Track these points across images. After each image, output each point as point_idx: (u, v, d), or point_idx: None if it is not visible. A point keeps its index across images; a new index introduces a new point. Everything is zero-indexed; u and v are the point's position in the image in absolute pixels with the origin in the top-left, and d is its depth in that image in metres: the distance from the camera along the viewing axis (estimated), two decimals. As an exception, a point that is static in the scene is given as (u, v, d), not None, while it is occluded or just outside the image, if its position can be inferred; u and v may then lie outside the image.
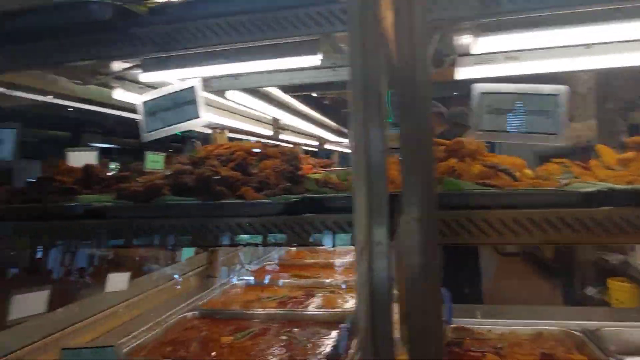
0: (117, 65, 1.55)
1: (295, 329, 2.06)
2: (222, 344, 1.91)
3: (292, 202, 0.97)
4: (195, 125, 1.00)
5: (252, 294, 2.67)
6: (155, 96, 1.02)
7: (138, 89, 1.68)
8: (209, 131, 3.50)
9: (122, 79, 1.59)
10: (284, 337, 1.97)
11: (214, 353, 1.82)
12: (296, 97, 2.41)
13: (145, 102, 1.02)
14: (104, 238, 1.02)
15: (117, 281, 2.03)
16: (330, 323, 2.11)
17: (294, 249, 4.18)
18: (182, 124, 1.00)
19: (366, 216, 0.87)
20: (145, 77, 1.33)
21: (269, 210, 0.95)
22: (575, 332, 1.81)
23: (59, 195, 1.14)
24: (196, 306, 2.36)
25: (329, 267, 3.28)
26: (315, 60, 1.28)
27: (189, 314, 2.24)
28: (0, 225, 1.09)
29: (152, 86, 1.77)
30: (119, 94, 1.60)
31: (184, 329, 2.12)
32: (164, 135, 1.01)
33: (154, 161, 2.20)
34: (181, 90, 1.00)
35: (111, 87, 1.58)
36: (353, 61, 0.92)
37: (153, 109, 1.01)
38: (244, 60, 1.33)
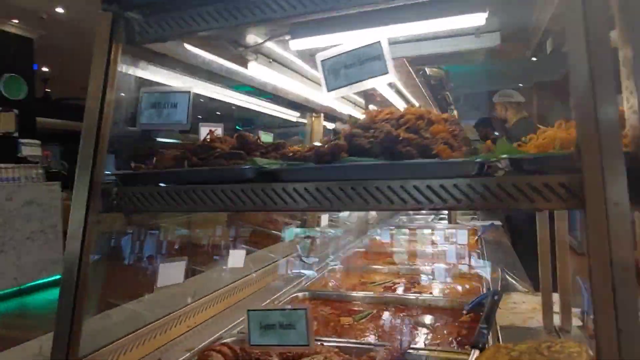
0: (251, 39, 1.55)
1: (413, 314, 1.99)
2: (343, 324, 1.88)
3: (493, 161, 0.90)
4: (383, 81, 0.95)
5: (353, 279, 2.63)
6: (336, 54, 0.97)
7: (268, 63, 1.67)
8: (293, 118, 3.50)
9: (255, 52, 1.58)
10: (404, 321, 1.91)
11: (337, 332, 1.78)
12: (415, 73, 2.33)
13: (324, 61, 0.98)
14: (285, 200, 1.00)
15: (236, 258, 2.06)
16: (447, 309, 2.02)
17: (377, 237, 4.12)
18: (367, 80, 0.95)
19: (597, 173, 0.77)
20: (294, 44, 1.30)
21: (468, 170, 0.89)
22: None
23: (225, 159, 1.14)
24: (303, 287, 2.35)
25: (421, 255, 3.19)
26: (480, 19, 1.19)
27: (300, 295, 2.23)
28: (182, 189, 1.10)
29: (276, 59, 1.76)
30: (253, 68, 1.59)
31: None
32: (348, 92, 0.96)
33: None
34: (365, 46, 0.95)
35: (246, 61, 1.57)
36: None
37: (334, 66, 0.97)
38: (399, 22, 1.27)
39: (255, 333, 1.04)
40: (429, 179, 0.92)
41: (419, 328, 1.82)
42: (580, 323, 1.58)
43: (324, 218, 3.26)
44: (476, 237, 3.60)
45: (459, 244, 3.52)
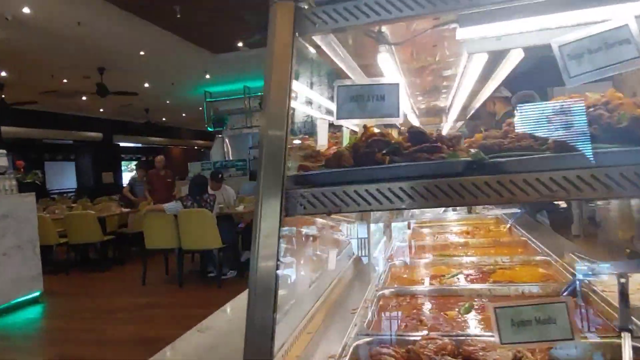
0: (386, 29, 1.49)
1: (512, 303, 1.99)
2: (451, 318, 1.86)
3: None
4: (634, 66, 0.93)
5: (420, 273, 2.62)
6: (576, 38, 0.95)
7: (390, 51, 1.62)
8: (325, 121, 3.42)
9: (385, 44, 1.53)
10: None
11: (459, 326, 1.76)
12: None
13: (562, 46, 0.95)
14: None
15: (331, 260, 2.00)
16: (542, 296, 2.04)
17: (409, 230, 4.12)
18: (616, 65, 0.93)
19: None
20: (461, 32, 1.26)
21: None
22: None
23: (428, 153, 1.09)
24: (380, 285, 2.31)
25: (471, 246, 3.21)
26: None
27: (386, 292, 2.19)
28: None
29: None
30: (382, 60, 1.53)
31: (391, 305, 2.07)
32: (594, 78, 0.94)
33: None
34: (611, 29, 0.93)
35: (377, 53, 1.52)
36: None
37: (576, 51, 0.94)
38: (569, 9, 1.25)
39: (506, 331, 1.00)
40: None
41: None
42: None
43: (369, 215, 3.22)
44: (508, 225, 3.68)
45: (498, 232, 3.60)
